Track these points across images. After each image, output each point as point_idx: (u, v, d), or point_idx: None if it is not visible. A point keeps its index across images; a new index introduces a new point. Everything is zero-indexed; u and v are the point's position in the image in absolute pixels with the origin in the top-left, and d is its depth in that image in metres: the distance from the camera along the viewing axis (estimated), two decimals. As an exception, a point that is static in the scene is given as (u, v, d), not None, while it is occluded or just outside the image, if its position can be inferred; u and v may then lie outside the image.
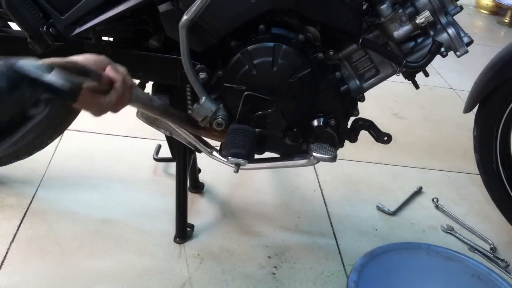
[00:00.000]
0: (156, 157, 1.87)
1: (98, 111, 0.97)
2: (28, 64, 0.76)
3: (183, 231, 1.56)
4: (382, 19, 1.24)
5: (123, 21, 1.33)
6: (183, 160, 1.51)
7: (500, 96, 1.61)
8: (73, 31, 1.26)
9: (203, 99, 1.28)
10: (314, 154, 1.30)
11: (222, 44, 1.28)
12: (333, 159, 1.30)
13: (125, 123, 2.07)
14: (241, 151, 1.24)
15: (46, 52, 1.26)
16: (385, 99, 2.58)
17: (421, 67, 1.26)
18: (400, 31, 1.25)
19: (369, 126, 1.37)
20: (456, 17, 1.31)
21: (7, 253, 1.43)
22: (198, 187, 1.78)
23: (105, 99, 0.94)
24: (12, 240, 1.47)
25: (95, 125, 2.03)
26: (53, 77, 0.76)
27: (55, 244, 1.48)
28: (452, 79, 3.01)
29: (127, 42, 1.37)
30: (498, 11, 4.47)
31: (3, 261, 1.40)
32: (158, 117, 1.29)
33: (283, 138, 1.35)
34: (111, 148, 1.95)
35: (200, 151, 1.46)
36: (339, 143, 1.35)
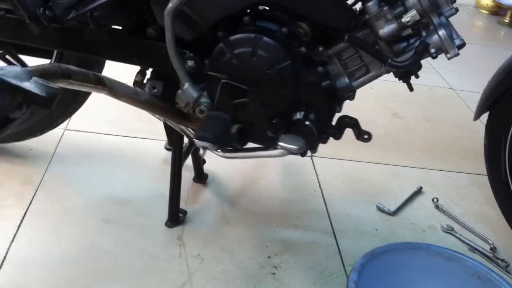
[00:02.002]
0: (167, 147, 1.92)
1: None
2: (9, 72, 0.82)
3: (175, 216, 1.60)
4: (366, 16, 1.24)
5: (123, 9, 1.37)
6: (179, 146, 1.55)
7: (508, 103, 1.55)
8: (69, 14, 1.31)
9: (186, 85, 1.31)
10: (280, 143, 1.29)
11: (214, 35, 1.31)
12: (300, 149, 1.29)
13: (125, 123, 2.07)
14: (208, 135, 1.25)
15: (45, 34, 1.33)
16: (385, 99, 2.58)
17: (406, 67, 1.24)
18: (385, 29, 1.24)
19: (354, 124, 1.38)
20: (455, 17, 1.30)
21: (7, 253, 1.43)
22: (202, 178, 1.83)
23: None
24: (12, 240, 1.47)
25: (95, 125, 2.04)
26: (31, 85, 0.82)
27: (55, 244, 1.48)
28: (452, 79, 3.01)
29: (126, 30, 1.42)
30: (498, 11, 4.47)
31: (3, 261, 1.40)
32: (145, 110, 1.32)
33: (266, 129, 1.36)
34: (111, 148, 1.95)
35: (191, 139, 1.49)
36: (322, 139, 1.36)
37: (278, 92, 1.29)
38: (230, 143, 1.36)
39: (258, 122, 1.35)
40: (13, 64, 1.66)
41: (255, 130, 1.38)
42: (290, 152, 1.29)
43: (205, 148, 1.30)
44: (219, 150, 1.40)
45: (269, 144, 1.37)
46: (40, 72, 0.86)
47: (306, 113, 1.31)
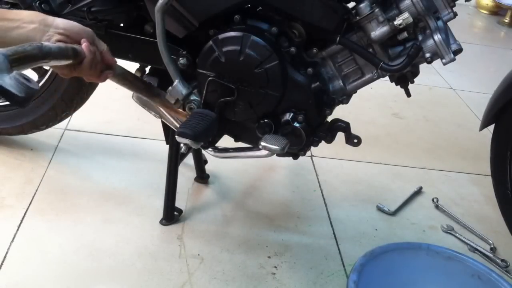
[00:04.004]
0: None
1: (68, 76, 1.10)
2: None
3: (170, 214, 1.61)
4: (357, 17, 1.23)
5: (121, 6, 1.39)
6: (176, 144, 1.55)
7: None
8: (66, 8, 1.33)
9: (176, 82, 1.31)
10: (262, 143, 1.28)
11: (207, 33, 1.32)
12: (282, 150, 1.28)
13: (125, 123, 2.07)
14: (188, 131, 1.23)
15: None
16: (385, 99, 2.58)
17: (398, 70, 1.23)
18: (377, 32, 1.22)
19: (345, 128, 1.37)
20: (456, 18, 1.29)
21: (7, 253, 1.43)
22: (204, 178, 1.83)
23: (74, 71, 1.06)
24: (12, 240, 1.47)
25: (95, 125, 2.04)
26: (10, 81, 0.78)
27: (55, 244, 1.48)
28: (452, 79, 3.01)
29: (124, 26, 1.44)
30: (498, 11, 4.47)
31: (3, 261, 1.40)
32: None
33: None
34: (111, 148, 1.95)
35: None
36: (313, 142, 1.35)
37: (266, 92, 1.28)
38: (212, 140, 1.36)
39: (247, 122, 1.35)
40: None
41: (245, 130, 1.37)
42: (273, 152, 1.28)
43: (186, 145, 1.30)
44: (210, 149, 1.40)
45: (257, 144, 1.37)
46: (19, 55, 0.83)
47: (295, 114, 1.30)
